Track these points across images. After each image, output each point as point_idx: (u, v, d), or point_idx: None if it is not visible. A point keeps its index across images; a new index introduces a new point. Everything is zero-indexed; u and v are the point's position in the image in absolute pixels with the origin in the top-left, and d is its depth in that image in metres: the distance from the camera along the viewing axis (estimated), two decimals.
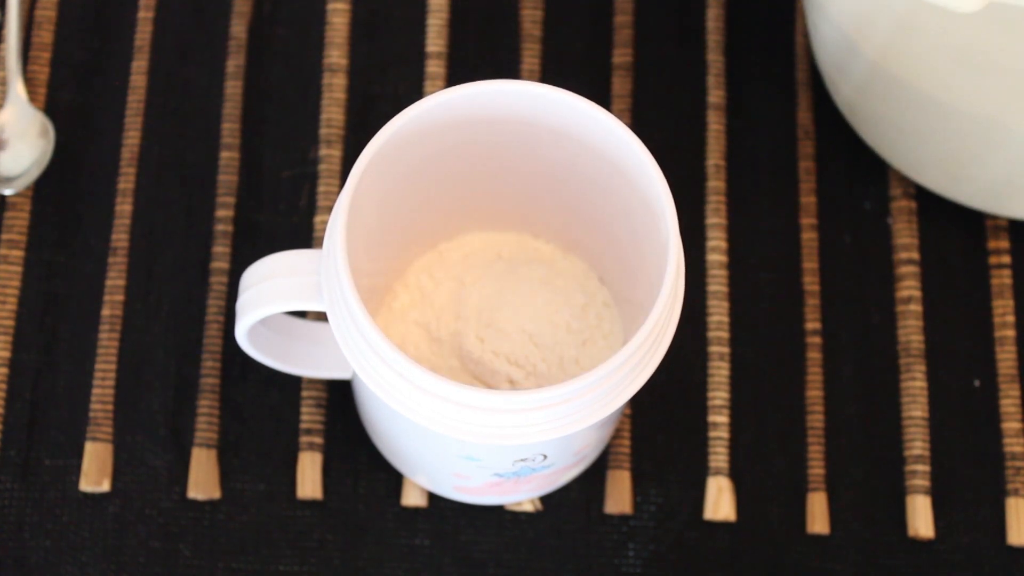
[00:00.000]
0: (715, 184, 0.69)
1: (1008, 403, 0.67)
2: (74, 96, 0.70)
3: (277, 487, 0.65)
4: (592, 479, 0.66)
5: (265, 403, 0.66)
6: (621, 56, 0.71)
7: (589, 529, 0.65)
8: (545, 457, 0.58)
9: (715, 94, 0.71)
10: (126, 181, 0.69)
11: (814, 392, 0.67)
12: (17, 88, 0.69)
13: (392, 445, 0.63)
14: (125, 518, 0.65)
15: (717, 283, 0.68)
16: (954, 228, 0.69)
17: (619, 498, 0.65)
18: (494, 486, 0.62)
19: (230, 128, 0.70)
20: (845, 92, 0.67)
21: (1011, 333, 0.68)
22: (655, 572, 0.65)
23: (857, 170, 0.70)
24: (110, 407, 0.66)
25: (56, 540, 0.64)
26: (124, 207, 0.68)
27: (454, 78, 0.71)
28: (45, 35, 0.71)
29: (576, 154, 0.58)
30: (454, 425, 0.53)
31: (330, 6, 0.72)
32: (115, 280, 0.67)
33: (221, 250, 0.68)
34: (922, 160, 0.67)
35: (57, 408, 0.66)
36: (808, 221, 0.69)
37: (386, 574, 0.64)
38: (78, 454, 0.65)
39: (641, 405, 0.67)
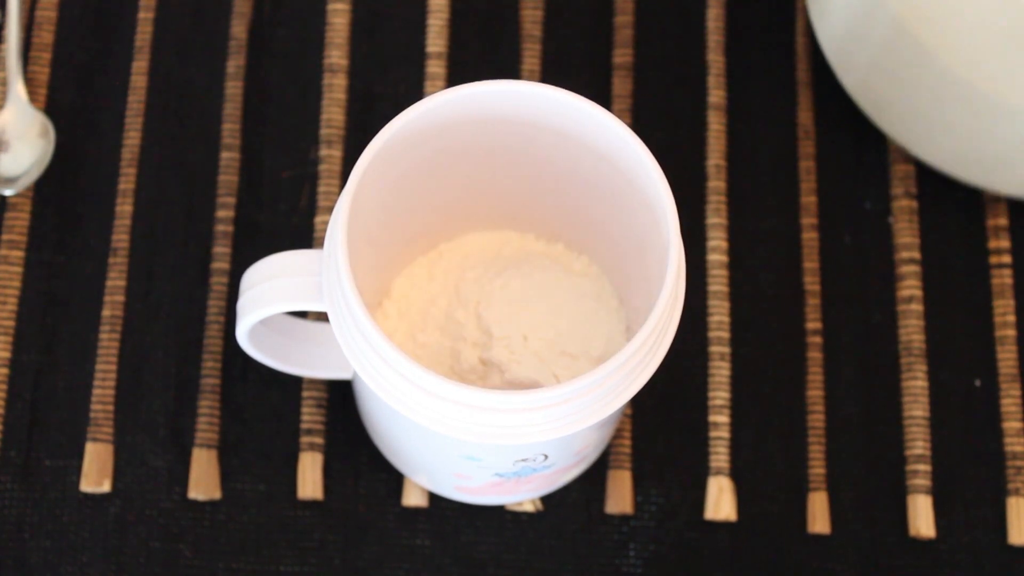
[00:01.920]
0: (715, 184, 0.69)
1: (1009, 403, 0.67)
2: (74, 96, 0.70)
3: (277, 487, 0.65)
4: (593, 479, 0.66)
5: (265, 403, 0.66)
6: (621, 56, 0.71)
7: (590, 529, 0.65)
8: (546, 457, 0.58)
9: (715, 94, 0.71)
10: (126, 181, 0.69)
11: (815, 392, 0.67)
12: (17, 88, 0.69)
13: (393, 445, 0.63)
14: (125, 518, 0.65)
15: (718, 283, 0.68)
16: (955, 228, 0.69)
17: (620, 498, 0.65)
18: (495, 486, 0.61)
19: (230, 128, 0.70)
20: (858, 63, 0.66)
21: (1012, 333, 0.68)
22: (656, 572, 0.65)
23: (858, 170, 0.70)
24: (110, 407, 0.66)
25: (56, 540, 0.64)
26: (124, 207, 0.68)
27: (454, 78, 0.71)
28: (45, 35, 0.71)
29: (576, 154, 0.57)
30: (455, 425, 0.53)
31: (330, 6, 0.71)
32: (115, 280, 0.67)
33: (221, 250, 0.68)
34: (930, 133, 0.66)
35: (57, 408, 0.66)
36: (809, 221, 0.69)
37: (386, 574, 0.64)
38: (78, 454, 0.65)
39: (642, 405, 0.67)
